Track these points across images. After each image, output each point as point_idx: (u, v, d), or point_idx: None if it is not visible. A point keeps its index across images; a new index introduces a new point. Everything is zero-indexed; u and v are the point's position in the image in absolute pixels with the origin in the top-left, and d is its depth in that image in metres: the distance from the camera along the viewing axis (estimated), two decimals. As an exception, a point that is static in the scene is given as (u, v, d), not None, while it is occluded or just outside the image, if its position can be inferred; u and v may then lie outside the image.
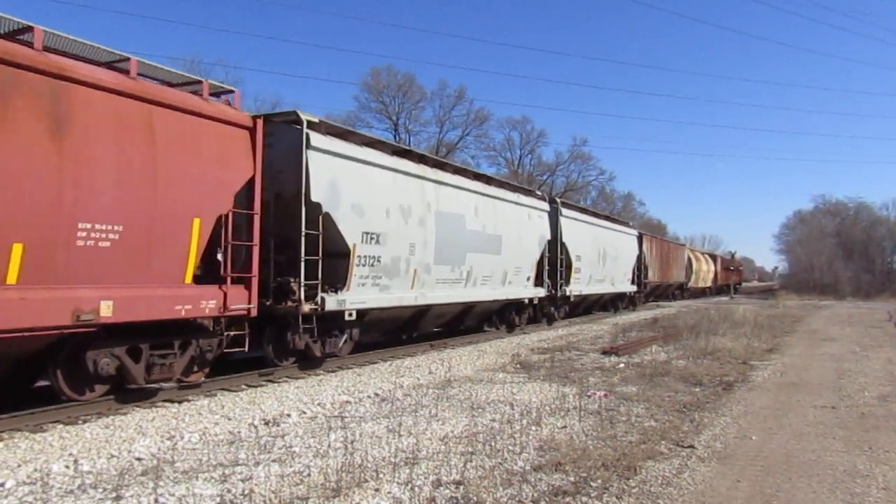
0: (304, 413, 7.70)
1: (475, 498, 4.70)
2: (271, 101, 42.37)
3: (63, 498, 4.70)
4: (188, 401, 8.23)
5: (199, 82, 8.54)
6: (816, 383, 10.31)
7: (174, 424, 6.98)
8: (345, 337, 11.25)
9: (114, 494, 4.72)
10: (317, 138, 10.11)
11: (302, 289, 9.80)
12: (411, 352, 13.51)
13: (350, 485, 4.92)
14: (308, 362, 10.71)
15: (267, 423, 7.17)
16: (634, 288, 29.96)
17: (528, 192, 19.04)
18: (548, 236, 18.96)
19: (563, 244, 20.22)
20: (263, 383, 9.58)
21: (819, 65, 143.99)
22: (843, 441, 6.66)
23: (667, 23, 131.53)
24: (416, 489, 4.87)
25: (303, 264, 9.83)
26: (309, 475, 5.20)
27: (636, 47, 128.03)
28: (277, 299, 9.86)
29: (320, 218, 10.05)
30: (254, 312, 8.88)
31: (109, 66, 7.53)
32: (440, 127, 55.78)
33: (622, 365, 11.77)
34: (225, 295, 8.40)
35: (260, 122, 8.97)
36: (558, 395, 8.65)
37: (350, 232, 10.65)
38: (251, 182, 8.81)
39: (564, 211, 20.82)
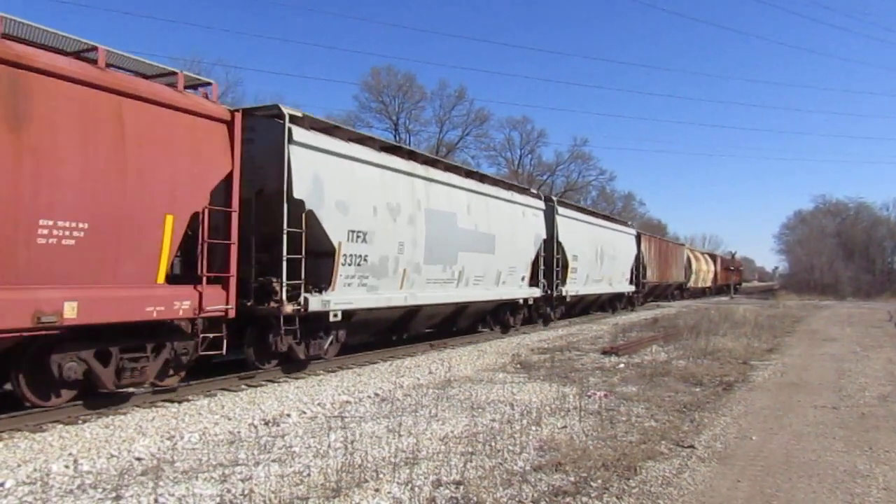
0: (304, 413, 7.70)
1: (475, 498, 4.70)
2: (271, 102, 42.29)
3: (63, 498, 4.70)
4: (188, 401, 8.23)
5: (174, 74, 8.21)
6: (817, 383, 10.31)
7: (174, 424, 6.98)
8: (330, 339, 10.95)
9: (114, 494, 4.72)
10: (300, 133, 9.82)
11: (284, 289, 9.50)
12: (411, 352, 13.51)
13: (350, 485, 4.92)
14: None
15: (267, 423, 7.16)
16: (633, 288, 29.72)
17: (523, 191, 18.70)
18: (543, 235, 18.64)
19: (559, 243, 19.93)
20: (263, 383, 9.58)
21: (819, 65, 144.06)
22: (843, 441, 6.66)
23: (667, 23, 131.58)
24: (416, 489, 4.87)
25: (285, 263, 9.51)
26: (309, 475, 5.20)
27: (636, 47, 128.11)
28: (259, 300, 9.56)
29: (303, 215, 9.78)
30: (231, 314, 8.53)
31: (77, 55, 7.19)
32: (440, 127, 55.87)
33: (622, 365, 11.77)
34: (200, 295, 8.05)
35: (238, 116, 8.66)
36: (558, 395, 8.65)
37: (335, 230, 10.36)
38: (229, 178, 8.49)
39: (560, 209, 20.52)
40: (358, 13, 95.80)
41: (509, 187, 17.70)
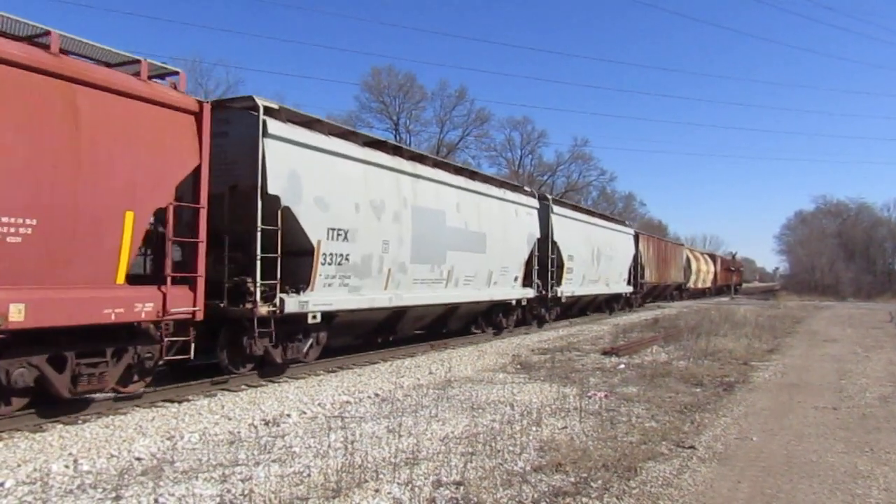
0: (304, 413, 7.69)
1: (475, 498, 4.69)
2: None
3: (63, 498, 4.70)
4: (188, 401, 8.22)
5: (137, 62, 7.65)
6: (817, 384, 10.30)
7: (174, 424, 6.97)
8: (310, 341, 10.51)
9: (113, 494, 4.72)
10: (275, 126, 9.39)
11: (258, 289, 9.11)
12: (411, 352, 13.50)
13: (350, 485, 4.91)
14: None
15: (267, 424, 7.16)
16: (630, 289, 29.37)
17: (516, 189, 18.21)
18: (537, 235, 18.18)
19: (554, 243, 19.53)
20: (263, 383, 9.57)
21: (819, 65, 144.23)
22: (844, 442, 6.65)
23: (667, 23, 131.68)
24: (417, 489, 4.87)
25: (259, 262, 9.11)
26: (309, 475, 5.20)
27: (636, 47, 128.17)
28: (233, 301, 9.15)
29: (279, 212, 9.37)
30: (199, 316, 8.05)
31: (30, 40, 6.76)
32: (441, 127, 55.87)
33: (623, 365, 11.76)
34: (165, 297, 7.58)
35: (207, 107, 8.19)
36: (559, 396, 8.64)
37: (313, 228, 9.90)
38: (197, 172, 8.03)
39: (556, 208, 20.09)
40: (358, 13, 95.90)
41: (501, 185, 17.28)
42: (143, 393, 8.04)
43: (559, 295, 20.03)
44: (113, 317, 7.01)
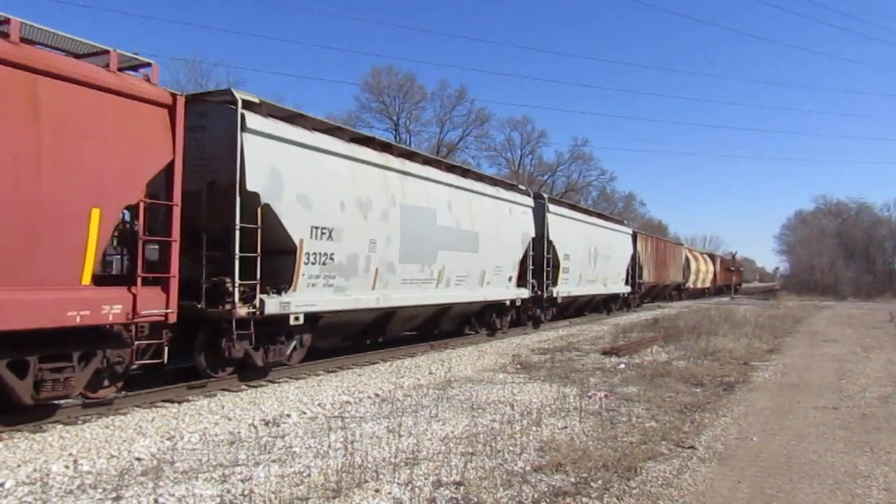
0: (304, 413, 7.69)
1: (475, 498, 4.69)
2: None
3: (63, 498, 4.70)
4: (188, 401, 8.22)
5: (105, 52, 7.24)
6: (817, 384, 10.31)
7: (174, 424, 6.97)
8: (293, 343, 10.15)
9: (114, 494, 4.72)
10: (255, 120, 9.06)
11: (237, 290, 8.75)
12: (411, 352, 13.50)
13: (350, 485, 4.91)
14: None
15: (267, 424, 7.16)
16: (628, 289, 29.14)
17: (510, 187, 17.86)
18: (532, 234, 17.84)
19: (550, 242, 19.18)
20: (263, 384, 9.58)
21: (819, 65, 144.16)
22: (844, 442, 6.65)
23: (667, 23, 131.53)
24: (417, 490, 4.87)
25: (237, 262, 8.75)
26: (309, 475, 5.20)
27: (636, 47, 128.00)
28: (211, 302, 8.81)
29: (259, 210, 9.04)
30: (172, 318, 7.66)
31: None
32: (441, 127, 55.85)
33: (623, 365, 11.76)
34: (135, 298, 7.19)
35: (181, 100, 7.82)
36: (559, 396, 8.64)
37: (296, 226, 9.58)
38: (170, 168, 7.66)
39: (552, 207, 19.73)
40: (358, 13, 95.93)
41: (495, 183, 16.94)
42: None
43: (555, 295, 19.68)
44: (78, 319, 6.61)
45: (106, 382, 7.47)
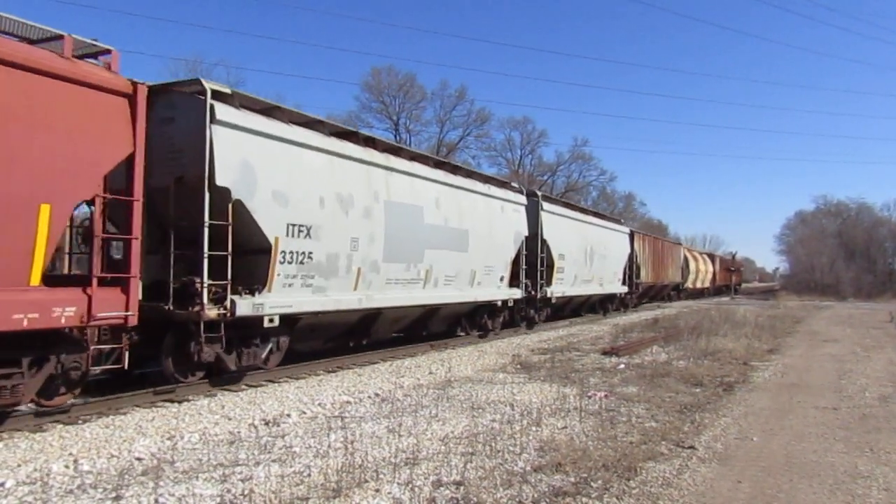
0: (304, 413, 7.70)
1: (475, 498, 4.70)
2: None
3: (63, 498, 4.70)
4: (188, 401, 8.23)
5: (60, 38, 6.76)
6: (817, 384, 10.30)
7: (174, 424, 6.98)
8: (269, 346, 9.69)
9: (114, 494, 4.72)
10: (225, 111, 8.61)
11: (206, 290, 8.34)
12: (412, 352, 13.50)
13: (350, 485, 4.92)
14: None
15: (267, 423, 7.16)
16: (625, 289, 28.78)
17: (502, 184, 17.38)
18: (525, 232, 17.30)
19: (544, 241, 18.69)
20: (262, 383, 9.57)
21: (819, 65, 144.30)
22: (844, 442, 6.66)
23: (667, 23, 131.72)
24: (417, 489, 4.87)
25: (206, 261, 8.35)
26: (309, 475, 5.20)
27: (636, 47, 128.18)
28: (179, 303, 8.39)
29: (230, 206, 8.58)
30: (132, 321, 7.21)
31: None
32: (441, 127, 55.92)
33: (623, 365, 11.76)
34: (90, 300, 6.73)
35: (143, 89, 7.32)
36: (559, 396, 8.64)
37: (271, 223, 9.13)
38: (131, 161, 7.21)
39: (546, 205, 19.19)
40: (358, 13, 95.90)
41: (486, 180, 16.45)
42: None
43: (549, 295, 19.20)
44: (25, 323, 6.16)
45: (61, 389, 7.09)
